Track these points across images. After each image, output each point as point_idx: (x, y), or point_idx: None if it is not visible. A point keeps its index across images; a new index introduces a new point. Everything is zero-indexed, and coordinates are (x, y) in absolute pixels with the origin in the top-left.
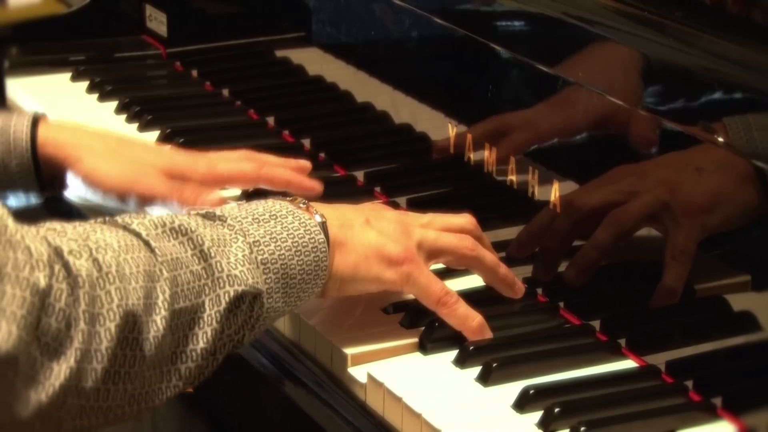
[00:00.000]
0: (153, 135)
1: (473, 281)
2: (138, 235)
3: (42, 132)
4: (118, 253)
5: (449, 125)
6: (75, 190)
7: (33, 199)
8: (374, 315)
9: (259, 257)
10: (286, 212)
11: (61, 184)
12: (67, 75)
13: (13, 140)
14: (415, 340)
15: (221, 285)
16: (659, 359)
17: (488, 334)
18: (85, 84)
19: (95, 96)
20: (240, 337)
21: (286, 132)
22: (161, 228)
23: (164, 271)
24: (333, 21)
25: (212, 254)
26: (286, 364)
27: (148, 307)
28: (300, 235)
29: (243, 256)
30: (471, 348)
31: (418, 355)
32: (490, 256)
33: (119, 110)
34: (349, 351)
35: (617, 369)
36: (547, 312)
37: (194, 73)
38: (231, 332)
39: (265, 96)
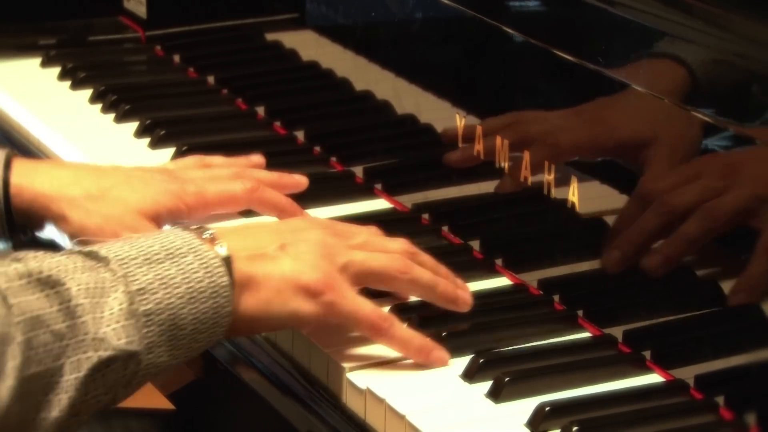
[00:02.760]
0: (131, 126)
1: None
2: None
3: (15, 180)
4: None
5: (457, 116)
6: (54, 236)
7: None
8: None
9: (141, 308)
10: (187, 250)
11: (34, 229)
12: (37, 60)
13: None
14: None
15: (84, 349)
16: (688, 373)
17: (440, 355)
18: (56, 70)
19: (67, 83)
20: (111, 397)
21: (278, 123)
22: (26, 279)
23: (18, 334)
24: (329, 1)
25: (79, 313)
26: (276, 377)
27: None
28: (198, 279)
29: (119, 309)
30: (481, 361)
31: (422, 368)
32: (425, 277)
33: (94, 99)
34: (347, 363)
35: (641, 384)
36: (564, 321)
37: (176, 58)
38: (98, 393)
39: (255, 83)
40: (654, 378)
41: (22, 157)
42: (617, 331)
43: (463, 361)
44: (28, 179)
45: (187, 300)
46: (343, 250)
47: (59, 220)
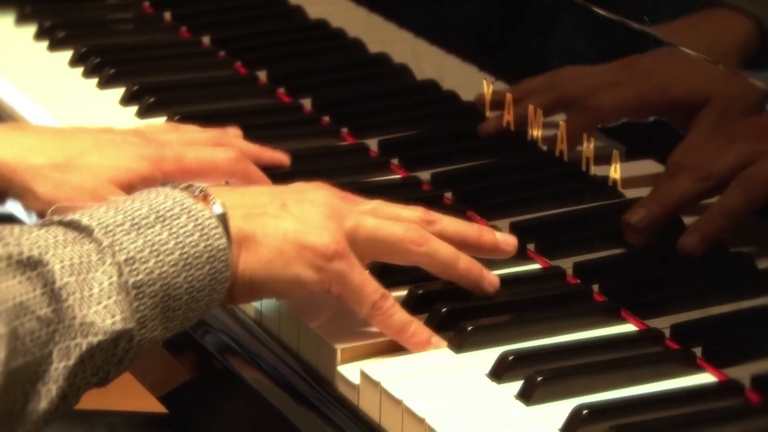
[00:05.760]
0: (117, 92)
1: None
2: None
3: None
4: None
5: (484, 82)
6: (17, 211)
7: None
8: None
9: (131, 280)
10: (180, 210)
11: None
12: (10, 17)
13: None
14: None
15: (72, 335)
16: (743, 372)
17: (434, 341)
18: (32, 29)
19: (45, 44)
20: (102, 377)
21: (282, 90)
22: (5, 261)
23: (2, 325)
24: None
25: (63, 295)
26: (280, 375)
27: None
28: (192, 243)
29: (109, 284)
30: (510, 358)
31: (444, 366)
32: (444, 250)
33: (74, 62)
34: (340, 345)
35: (691, 384)
36: (604, 314)
37: (167, 15)
38: (87, 375)
39: (256, 45)
40: (705, 378)
41: None
42: (664, 325)
43: (490, 359)
44: None
45: (182, 267)
46: (351, 214)
47: (25, 195)
